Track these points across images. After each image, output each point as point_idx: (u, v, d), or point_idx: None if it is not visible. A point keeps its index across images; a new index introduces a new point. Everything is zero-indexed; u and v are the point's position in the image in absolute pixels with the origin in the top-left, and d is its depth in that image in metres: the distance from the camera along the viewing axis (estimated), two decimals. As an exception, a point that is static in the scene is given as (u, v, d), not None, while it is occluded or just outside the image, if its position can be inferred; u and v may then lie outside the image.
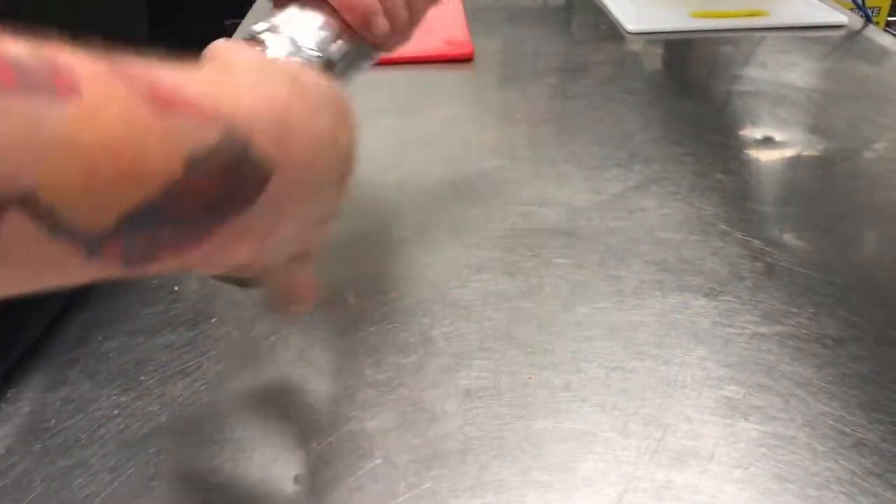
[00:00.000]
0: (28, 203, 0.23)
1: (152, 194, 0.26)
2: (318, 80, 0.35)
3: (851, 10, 1.12)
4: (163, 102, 0.26)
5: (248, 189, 0.29)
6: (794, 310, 0.52)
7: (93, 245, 0.25)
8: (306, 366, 0.48)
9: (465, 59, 0.95)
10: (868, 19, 1.06)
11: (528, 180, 0.69)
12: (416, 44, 0.97)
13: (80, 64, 0.24)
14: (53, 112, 0.23)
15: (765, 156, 0.73)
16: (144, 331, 0.52)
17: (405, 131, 0.79)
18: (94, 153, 0.24)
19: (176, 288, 0.56)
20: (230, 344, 0.50)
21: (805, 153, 0.75)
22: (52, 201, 0.23)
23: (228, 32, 0.89)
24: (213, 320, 0.53)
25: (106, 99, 0.25)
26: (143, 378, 0.48)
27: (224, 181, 0.28)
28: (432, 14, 1.10)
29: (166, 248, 0.28)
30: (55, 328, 0.52)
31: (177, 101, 0.26)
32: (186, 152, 0.26)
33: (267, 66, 0.35)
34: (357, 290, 0.55)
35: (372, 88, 0.84)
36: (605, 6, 1.11)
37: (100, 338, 0.51)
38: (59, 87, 0.23)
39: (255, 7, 1.08)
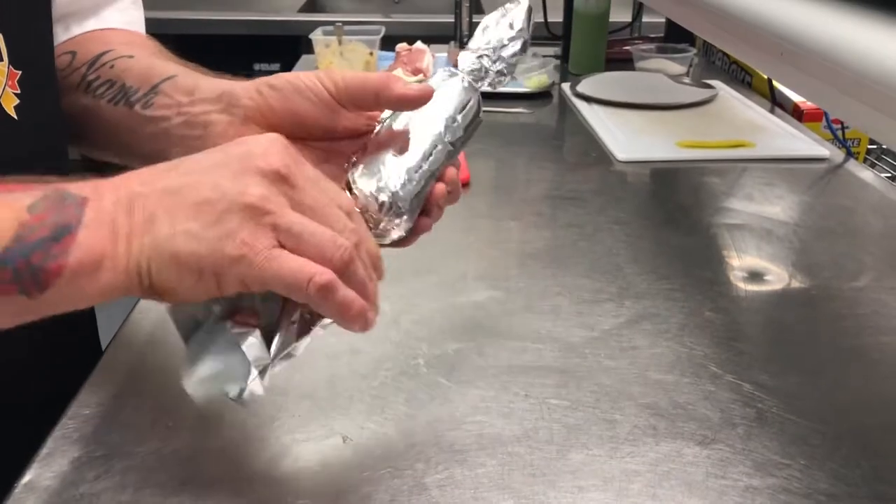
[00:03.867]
0: None
1: (12, 232, 0.39)
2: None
3: (831, 141, 1.17)
4: (6, 188, 0.41)
5: (73, 209, 0.40)
6: (786, 461, 0.52)
7: None
8: (300, 513, 0.48)
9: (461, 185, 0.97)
10: (849, 153, 1.10)
11: (521, 313, 0.70)
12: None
13: None
14: None
15: (752, 293, 0.75)
16: (138, 468, 0.52)
17: (400, 258, 0.80)
18: None
19: (170, 424, 0.55)
20: (224, 487, 0.50)
21: (791, 290, 0.76)
22: None
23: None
24: (207, 459, 0.52)
25: None
26: (134, 523, 0.47)
27: (55, 209, 0.40)
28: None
29: (46, 268, 0.39)
30: (46, 465, 0.52)
31: (16, 186, 0.41)
32: (27, 203, 0.40)
33: None
34: (349, 428, 0.55)
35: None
36: (595, 133, 1.15)
37: (92, 476, 0.51)
38: None
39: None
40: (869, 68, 0.48)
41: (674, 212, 0.95)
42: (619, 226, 0.87)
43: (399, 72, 1.35)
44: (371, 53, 1.36)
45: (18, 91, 0.56)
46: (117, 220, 0.41)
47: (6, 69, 0.55)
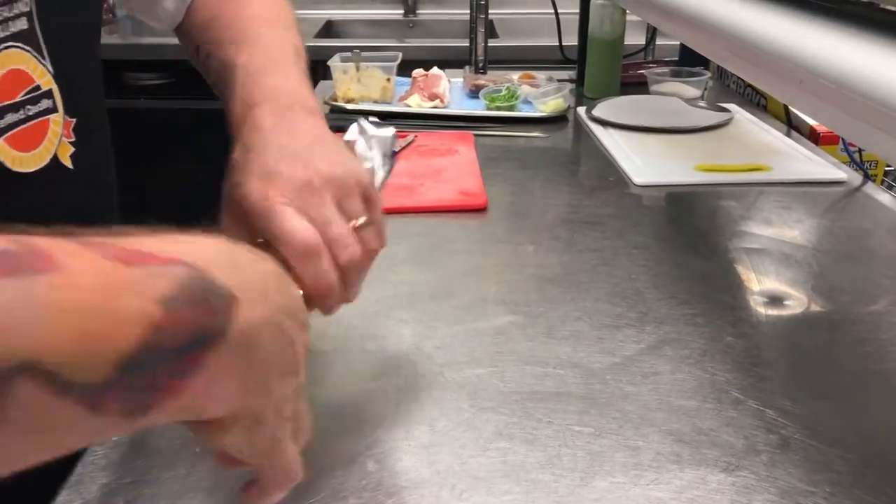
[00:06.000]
0: (32, 370, 0.26)
1: (140, 337, 0.29)
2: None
3: (848, 164, 1.17)
4: (127, 258, 0.30)
5: (218, 317, 0.32)
6: (812, 488, 0.52)
7: (95, 399, 0.28)
8: (326, 540, 0.48)
9: (479, 209, 0.98)
10: (866, 176, 1.10)
11: (542, 338, 0.71)
12: (434, 193, 1.01)
13: (54, 243, 0.29)
14: (39, 286, 0.27)
15: (773, 317, 0.75)
16: (165, 496, 0.52)
17: (420, 283, 0.81)
18: (80, 312, 0.27)
19: (197, 450, 0.56)
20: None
21: (812, 315, 0.76)
22: (53, 365, 0.27)
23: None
24: (233, 486, 0.53)
25: (80, 265, 0.29)
26: (162, 550, 0.48)
27: (197, 311, 0.31)
28: (449, 164, 1.15)
29: (163, 389, 0.31)
30: (76, 492, 0.52)
31: (138, 256, 0.31)
32: (158, 293, 0.30)
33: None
34: (376, 456, 0.55)
35: (388, 236, 0.86)
36: (611, 157, 1.16)
37: (120, 503, 0.51)
38: (40, 265, 0.27)
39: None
40: (890, 97, 0.49)
41: (692, 236, 0.95)
42: (637, 250, 0.88)
43: (416, 97, 1.36)
44: (388, 79, 1.37)
45: (73, 139, 0.57)
46: (259, 346, 0.35)
47: (62, 119, 0.56)
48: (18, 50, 0.51)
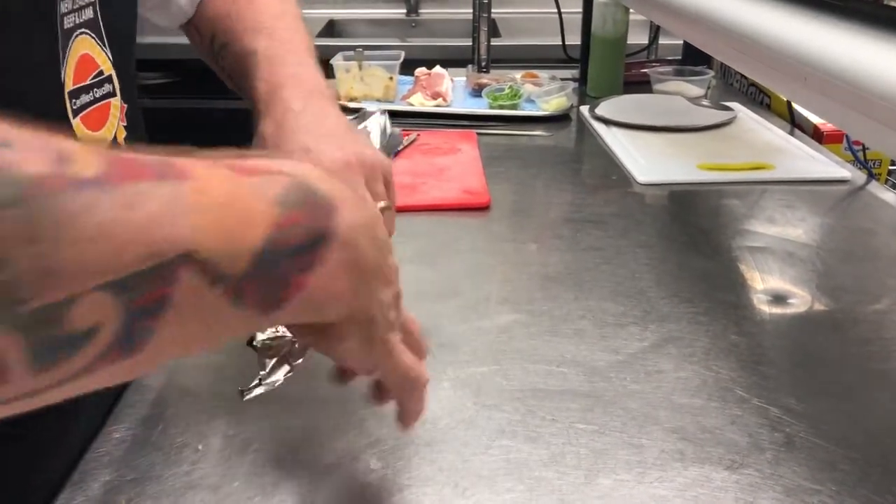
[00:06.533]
0: (191, 260, 0.30)
1: (266, 233, 0.33)
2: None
3: (852, 162, 1.16)
4: (241, 170, 0.34)
5: (325, 218, 0.36)
6: (817, 487, 0.52)
7: (238, 288, 0.32)
8: (329, 537, 0.48)
9: (482, 208, 0.98)
10: (870, 174, 1.10)
11: (546, 336, 0.71)
12: (437, 192, 1.01)
13: (183, 158, 0.32)
14: (181, 189, 0.30)
15: (776, 316, 0.75)
16: (168, 493, 0.52)
17: (424, 282, 0.81)
18: (217, 211, 0.31)
19: (200, 447, 0.56)
20: (253, 511, 0.50)
21: (815, 314, 0.76)
22: (204, 255, 0.30)
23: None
24: (236, 484, 0.53)
25: (208, 175, 0.32)
26: (165, 547, 0.48)
27: (307, 211, 0.35)
28: (452, 163, 1.15)
29: (291, 282, 0.34)
30: (79, 489, 0.52)
31: (251, 167, 0.35)
32: (273, 196, 0.34)
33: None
34: (379, 454, 0.55)
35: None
36: (614, 156, 1.15)
37: (123, 500, 0.51)
38: (179, 173, 0.31)
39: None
40: (895, 92, 0.48)
41: (695, 234, 0.95)
42: (640, 248, 0.88)
43: (418, 96, 1.36)
44: (391, 78, 1.37)
45: (126, 124, 0.60)
46: (361, 248, 0.38)
47: (119, 104, 0.59)
48: (87, 37, 0.55)
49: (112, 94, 0.58)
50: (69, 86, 0.53)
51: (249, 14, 0.69)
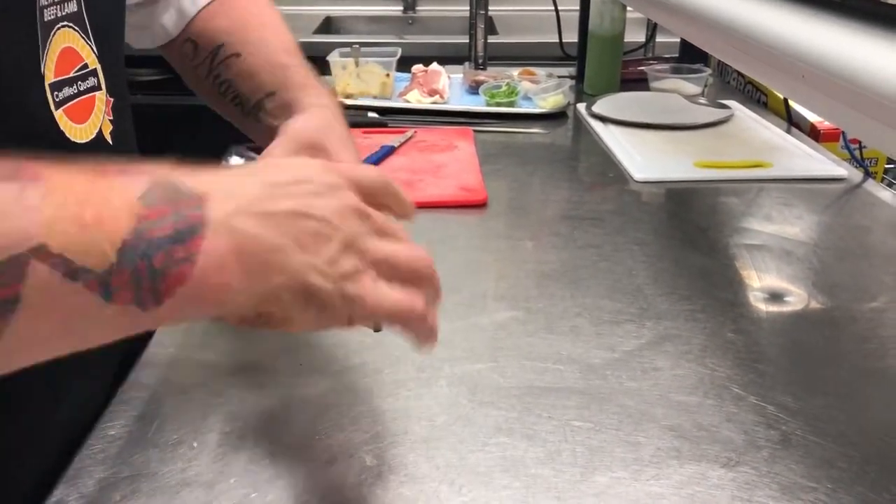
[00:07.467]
0: (42, 253, 0.30)
1: (130, 225, 0.33)
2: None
3: (848, 160, 1.16)
4: (99, 173, 0.35)
5: (191, 206, 0.36)
6: (813, 484, 0.52)
7: (104, 282, 0.32)
8: (325, 534, 0.48)
9: (478, 205, 0.98)
10: (867, 173, 1.10)
11: (542, 333, 0.70)
12: (433, 189, 1.01)
13: (38, 163, 0.33)
14: (32, 188, 0.31)
15: (773, 314, 0.75)
16: (163, 490, 0.52)
17: (421, 278, 0.80)
18: (74, 205, 0.31)
19: (195, 444, 0.56)
20: (248, 508, 0.50)
21: (812, 311, 0.76)
22: (59, 247, 0.30)
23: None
24: (231, 481, 0.53)
25: (63, 177, 0.33)
26: (160, 544, 0.47)
27: (171, 205, 0.35)
28: (449, 160, 1.14)
29: (168, 274, 0.34)
30: (73, 486, 0.52)
31: (109, 171, 0.35)
32: (134, 192, 0.35)
33: None
34: (375, 451, 0.55)
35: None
36: (611, 153, 1.15)
37: (118, 497, 0.51)
38: (31, 175, 0.32)
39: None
40: (893, 90, 0.48)
41: (693, 232, 0.95)
42: (637, 246, 0.87)
43: (415, 93, 1.36)
44: (387, 75, 1.37)
45: (112, 117, 0.60)
46: (242, 231, 0.37)
47: (105, 97, 0.59)
48: (70, 30, 0.55)
49: (97, 88, 0.58)
50: (50, 78, 0.53)
51: (275, 36, 0.71)
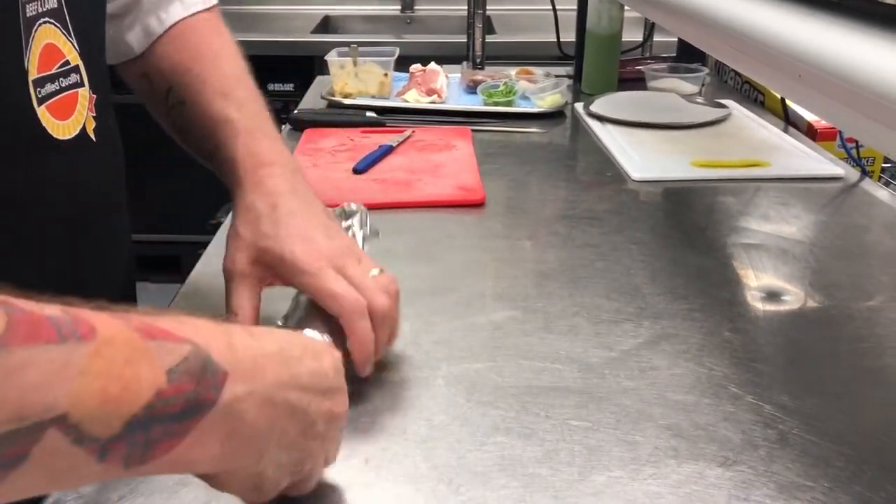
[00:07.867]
0: (61, 422, 0.31)
1: (146, 401, 0.34)
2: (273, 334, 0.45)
3: (845, 159, 1.17)
4: (147, 333, 0.35)
5: (211, 389, 0.37)
6: (810, 483, 0.52)
7: (103, 448, 0.33)
8: (323, 534, 0.48)
9: (476, 204, 0.98)
10: (864, 172, 1.10)
11: (540, 333, 0.71)
12: (431, 188, 1.01)
13: (94, 314, 0.34)
14: (78, 351, 0.32)
15: (770, 313, 0.75)
16: (160, 490, 0.52)
17: (418, 278, 0.81)
18: (105, 377, 0.32)
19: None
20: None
21: (809, 310, 0.76)
22: (76, 419, 0.31)
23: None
24: None
25: (111, 337, 0.33)
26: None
27: (194, 382, 0.36)
28: (447, 159, 1.14)
29: (158, 445, 0.35)
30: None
31: (157, 331, 0.36)
32: (165, 365, 0.35)
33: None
34: (373, 450, 0.55)
35: (387, 230, 0.86)
36: (609, 153, 1.15)
37: (116, 497, 0.51)
38: (82, 335, 0.32)
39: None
40: (890, 90, 0.48)
41: (690, 231, 0.95)
42: (635, 245, 0.88)
43: (413, 93, 1.36)
44: (385, 74, 1.37)
45: (95, 114, 0.60)
46: (240, 415, 0.39)
47: (87, 94, 0.59)
48: (51, 26, 0.55)
49: (80, 84, 0.58)
50: (33, 74, 0.53)
51: (216, 77, 0.69)
